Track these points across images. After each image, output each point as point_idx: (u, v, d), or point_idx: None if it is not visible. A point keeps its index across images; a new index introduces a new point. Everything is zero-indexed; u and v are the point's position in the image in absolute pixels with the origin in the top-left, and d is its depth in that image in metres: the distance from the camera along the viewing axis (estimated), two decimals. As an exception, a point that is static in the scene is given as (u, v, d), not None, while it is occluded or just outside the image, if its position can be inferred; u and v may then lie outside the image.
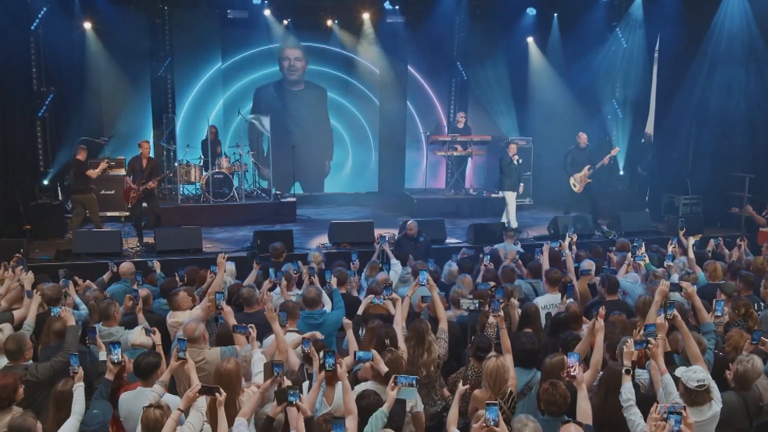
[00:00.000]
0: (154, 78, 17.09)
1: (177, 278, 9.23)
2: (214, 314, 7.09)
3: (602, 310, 6.89)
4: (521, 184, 15.09)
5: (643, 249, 9.75)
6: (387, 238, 11.12)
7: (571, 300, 7.63)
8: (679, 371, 5.46)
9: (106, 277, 9.67)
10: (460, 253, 11.11)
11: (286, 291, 8.18)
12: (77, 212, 13.46)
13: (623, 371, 5.38)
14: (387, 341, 6.00)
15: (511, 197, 15.02)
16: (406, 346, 6.19)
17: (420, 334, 6.25)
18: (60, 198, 14.92)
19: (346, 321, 6.63)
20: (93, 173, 13.44)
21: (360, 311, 7.11)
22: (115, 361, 5.64)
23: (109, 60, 16.53)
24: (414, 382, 5.10)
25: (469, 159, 17.84)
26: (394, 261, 9.69)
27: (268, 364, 5.39)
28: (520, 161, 15.07)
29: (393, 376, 5.17)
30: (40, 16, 14.71)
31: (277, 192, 16.66)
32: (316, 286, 7.70)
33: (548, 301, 8.07)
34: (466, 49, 19.10)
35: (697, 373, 5.26)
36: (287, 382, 5.35)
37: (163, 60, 17.14)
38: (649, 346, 5.56)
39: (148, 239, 13.23)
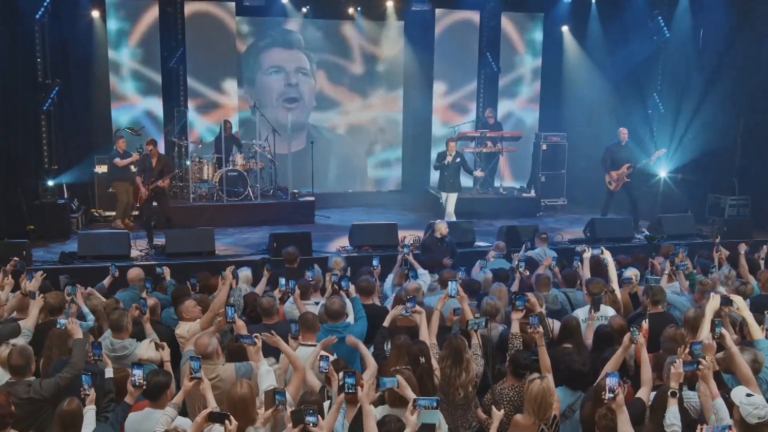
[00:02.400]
0: (165, 69, 17.01)
1: (189, 286, 9.11)
2: (226, 327, 6.93)
3: (645, 324, 6.74)
4: (478, 180, 15.08)
5: (681, 255, 9.56)
6: (411, 245, 10.92)
7: (614, 314, 7.44)
8: (737, 397, 5.26)
9: (106, 282, 9.47)
10: (487, 257, 10.90)
11: (300, 300, 8.01)
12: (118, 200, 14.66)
13: (669, 394, 5.23)
14: (422, 359, 5.85)
15: (443, 197, 14.88)
16: (442, 365, 6.03)
17: (457, 352, 6.07)
18: (65, 196, 14.88)
19: (350, 338, 6.47)
20: (120, 162, 14.39)
21: (387, 323, 6.90)
22: (137, 384, 5.47)
23: (117, 50, 16.50)
24: (435, 404, 4.97)
25: (500, 156, 17.62)
26: (421, 271, 9.48)
27: (270, 392, 5.25)
28: (458, 160, 14.57)
29: (412, 399, 5.03)
30: (45, 4, 14.63)
31: (295, 191, 16.55)
32: (340, 296, 7.53)
33: (588, 314, 7.82)
34: (496, 40, 18.87)
35: (759, 410, 5.03)
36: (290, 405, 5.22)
37: (174, 50, 17.06)
38: (700, 367, 5.37)
39: (158, 241, 13.16)
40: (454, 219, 14.39)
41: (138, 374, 5.47)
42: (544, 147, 17.99)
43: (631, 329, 5.98)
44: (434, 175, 18.64)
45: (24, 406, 5.67)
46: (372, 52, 18.84)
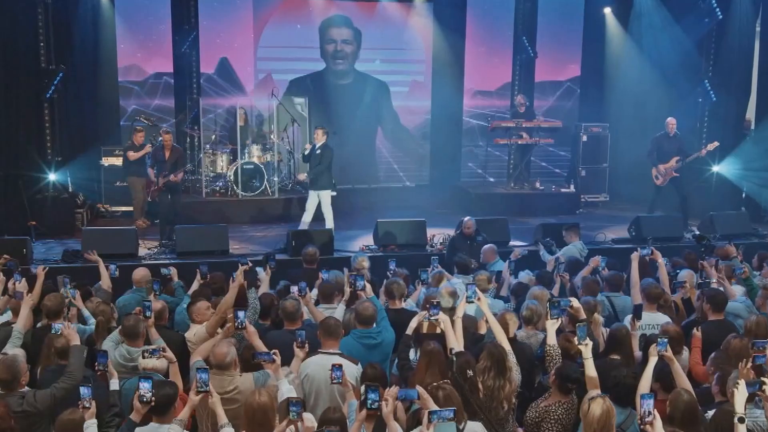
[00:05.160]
0: (177, 54, 16.86)
1: (199, 275, 9.01)
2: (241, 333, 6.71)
3: (697, 332, 6.51)
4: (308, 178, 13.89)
5: (734, 253, 9.32)
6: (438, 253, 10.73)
7: (669, 323, 7.17)
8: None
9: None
10: (512, 255, 10.65)
11: (312, 305, 7.87)
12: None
13: (736, 420, 5.02)
14: (469, 372, 5.68)
15: (313, 197, 13.76)
16: (483, 377, 5.86)
17: (500, 361, 5.93)
18: (70, 190, 14.79)
19: None
20: (133, 155, 14.07)
21: (410, 330, 6.73)
22: (145, 399, 5.25)
23: (126, 34, 16.38)
24: (452, 415, 4.79)
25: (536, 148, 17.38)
26: (455, 281, 9.25)
27: (284, 401, 5.10)
28: (317, 150, 13.53)
29: (426, 411, 4.84)
30: (49, -17, 14.57)
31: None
32: (371, 300, 7.36)
33: (654, 321, 7.59)
34: (533, 22, 18.58)
35: None
36: (310, 422, 5.06)
37: (187, 34, 16.90)
38: (764, 387, 5.14)
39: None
40: (331, 225, 13.56)
41: (146, 388, 5.26)
42: (585, 138, 17.73)
43: (658, 341, 5.83)
44: (465, 169, 18.54)
45: (18, 419, 5.55)
46: (398, 35, 18.55)
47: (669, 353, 5.79)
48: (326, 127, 14.08)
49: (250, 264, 8.50)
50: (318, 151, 13.55)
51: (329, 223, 13.64)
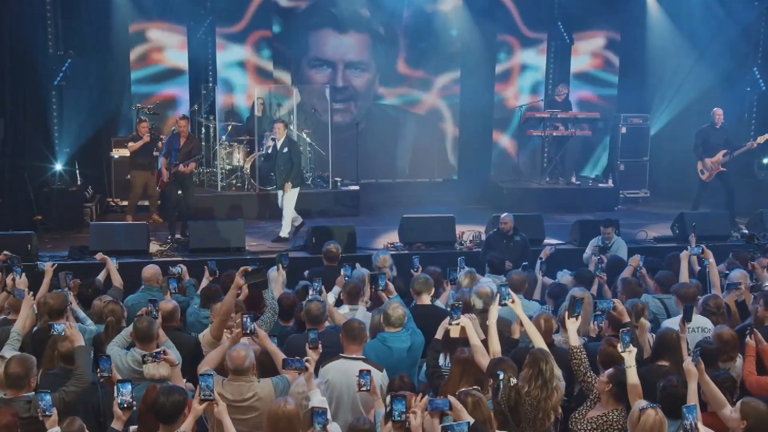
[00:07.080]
0: (191, 40, 16.77)
1: (207, 272, 8.89)
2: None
3: (751, 340, 6.40)
4: (287, 183, 13.31)
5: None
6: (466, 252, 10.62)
7: (722, 326, 6.93)
8: None
9: (102, 276, 9.24)
10: (542, 254, 10.49)
11: (332, 307, 7.75)
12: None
13: None
14: (513, 379, 5.52)
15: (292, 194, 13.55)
16: (529, 386, 5.67)
17: (547, 368, 5.72)
18: (78, 183, 14.73)
19: None
20: (133, 146, 13.90)
21: (439, 334, 6.55)
22: (125, 405, 5.13)
23: (138, 19, 16.31)
24: (466, 428, 4.67)
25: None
26: (485, 279, 9.07)
27: (308, 411, 4.99)
28: (284, 149, 13.29)
29: (440, 425, 4.75)
30: (58, -34, 14.56)
31: (337, 179, 16.29)
32: (400, 301, 7.24)
33: (696, 324, 7.40)
34: (569, 6, 18.31)
35: None
36: None
37: (202, 19, 16.80)
38: None
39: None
40: (299, 222, 13.57)
41: (126, 392, 5.14)
42: (624, 130, 17.53)
43: (693, 352, 5.70)
44: (498, 163, 18.34)
45: (24, 426, 5.46)
46: (426, 19, 18.30)
47: (701, 366, 5.61)
48: (286, 120, 14.12)
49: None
50: (285, 149, 13.33)
51: (296, 221, 13.66)
